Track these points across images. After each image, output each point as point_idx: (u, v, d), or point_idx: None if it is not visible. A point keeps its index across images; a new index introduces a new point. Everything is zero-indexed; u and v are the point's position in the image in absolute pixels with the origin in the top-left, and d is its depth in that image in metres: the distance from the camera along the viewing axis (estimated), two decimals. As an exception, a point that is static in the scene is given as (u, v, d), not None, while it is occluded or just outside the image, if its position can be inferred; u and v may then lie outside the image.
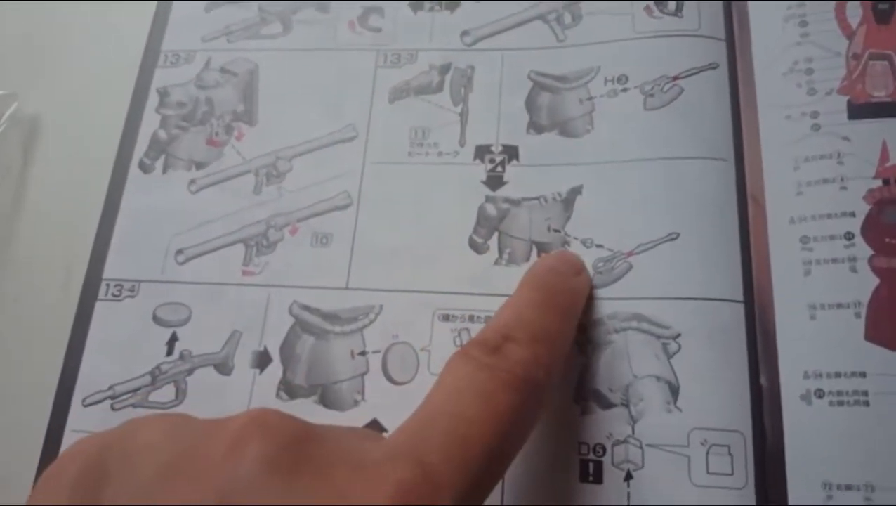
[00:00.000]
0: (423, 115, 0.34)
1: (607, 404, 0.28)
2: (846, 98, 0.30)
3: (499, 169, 0.33)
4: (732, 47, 0.33)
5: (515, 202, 0.32)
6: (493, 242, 0.31)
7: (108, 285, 0.33)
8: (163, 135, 0.36)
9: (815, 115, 0.30)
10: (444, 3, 0.36)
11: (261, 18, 0.38)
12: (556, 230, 0.31)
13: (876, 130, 0.29)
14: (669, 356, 0.28)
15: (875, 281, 0.28)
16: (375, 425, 0.30)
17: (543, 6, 0.35)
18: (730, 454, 0.27)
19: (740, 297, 0.29)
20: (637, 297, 0.29)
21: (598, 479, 0.27)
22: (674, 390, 0.28)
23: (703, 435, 0.27)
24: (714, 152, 0.31)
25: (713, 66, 0.32)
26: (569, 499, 0.27)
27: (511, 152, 0.33)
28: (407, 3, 0.37)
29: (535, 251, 0.31)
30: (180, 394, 0.31)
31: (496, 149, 0.33)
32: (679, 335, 0.28)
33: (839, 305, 0.28)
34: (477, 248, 0.31)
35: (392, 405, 0.30)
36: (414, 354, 0.30)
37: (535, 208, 0.32)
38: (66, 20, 0.40)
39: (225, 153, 0.35)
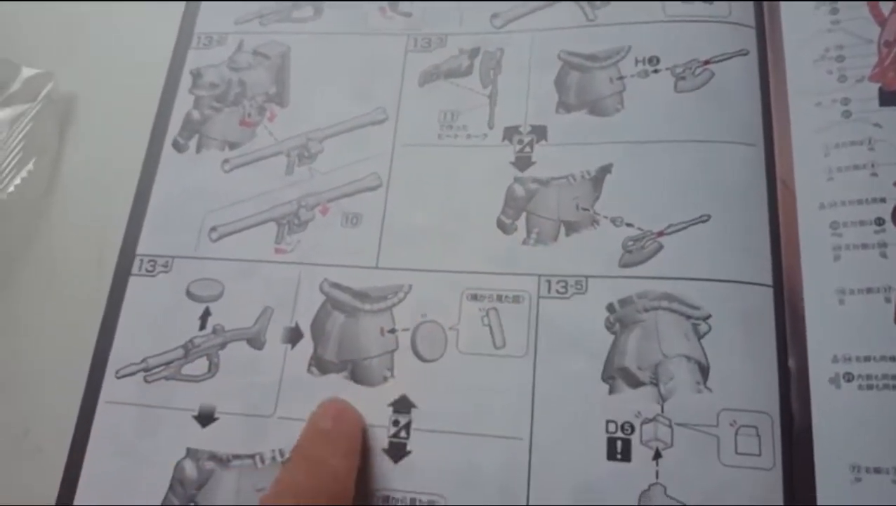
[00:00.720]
0: (453, 98, 0.35)
1: (636, 383, 0.28)
2: (878, 85, 0.30)
3: (527, 150, 0.33)
4: (763, 34, 0.33)
5: (544, 182, 0.32)
6: (521, 222, 0.32)
7: (141, 261, 0.34)
8: (196, 115, 0.36)
9: (845, 101, 0.30)
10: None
11: (293, 3, 0.38)
12: (584, 209, 0.31)
13: (907, 116, 0.29)
14: (699, 337, 0.29)
15: (905, 266, 0.28)
16: (404, 401, 0.30)
17: (572, -14, 0.36)
18: (758, 435, 0.27)
19: (770, 281, 0.29)
20: (667, 276, 0.29)
21: (627, 457, 0.28)
22: (703, 371, 0.28)
23: (733, 416, 0.27)
24: (744, 137, 0.31)
25: (743, 53, 0.33)
26: (596, 477, 0.27)
27: (540, 132, 0.33)
28: (437, -13, 0.37)
29: (563, 230, 0.31)
30: (213, 367, 0.32)
31: (525, 129, 0.33)
32: (709, 316, 0.29)
33: (868, 290, 0.28)
34: (505, 228, 0.32)
35: (421, 382, 0.30)
36: (442, 332, 0.31)
37: (564, 187, 0.32)
38: (102, 3, 0.40)
39: (257, 134, 0.35)
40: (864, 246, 0.28)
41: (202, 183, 0.35)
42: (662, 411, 0.28)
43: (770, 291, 0.29)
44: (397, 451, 0.29)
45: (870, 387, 0.27)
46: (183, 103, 0.37)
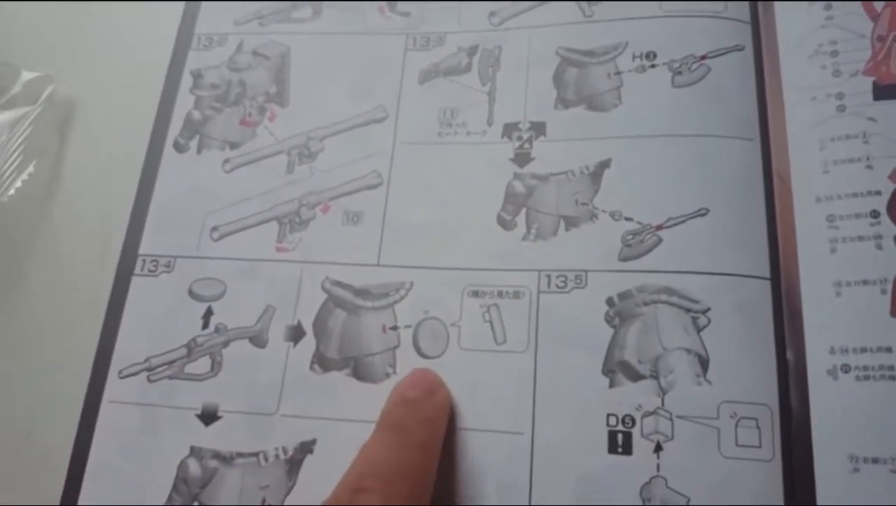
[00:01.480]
0: (452, 96, 0.35)
1: (636, 376, 0.29)
2: (871, 79, 0.30)
3: (526, 146, 0.33)
4: (757, 30, 0.33)
5: (543, 178, 0.33)
6: (521, 218, 0.32)
7: (144, 261, 0.34)
8: (197, 115, 0.36)
9: (840, 96, 0.31)
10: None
11: (292, 3, 0.38)
12: (583, 204, 0.32)
13: (902, 110, 0.30)
14: (699, 330, 0.29)
15: (901, 258, 0.28)
16: (407, 398, 0.30)
17: (569, -18, 0.36)
18: (758, 427, 0.28)
19: (767, 273, 0.30)
20: (666, 270, 0.30)
21: (628, 450, 0.28)
22: (703, 363, 0.28)
23: (733, 408, 0.28)
24: (741, 132, 0.32)
25: (739, 48, 0.33)
26: (597, 470, 0.28)
27: (538, 129, 0.33)
28: (435, -14, 0.37)
29: (562, 225, 0.32)
30: (216, 366, 0.32)
31: (524, 126, 0.34)
32: (709, 309, 0.29)
33: (865, 282, 0.28)
34: (505, 224, 0.32)
35: (423, 378, 0.30)
36: (444, 329, 0.31)
37: (563, 183, 0.32)
38: (101, 5, 0.41)
39: (258, 134, 0.36)
40: (860, 238, 0.29)
41: (203, 183, 0.35)
42: (663, 403, 0.28)
43: (768, 284, 0.29)
44: None
45: (866, 378, 0.27)
46: (183, 104, 0.37)
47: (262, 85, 0.37)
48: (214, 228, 0.34)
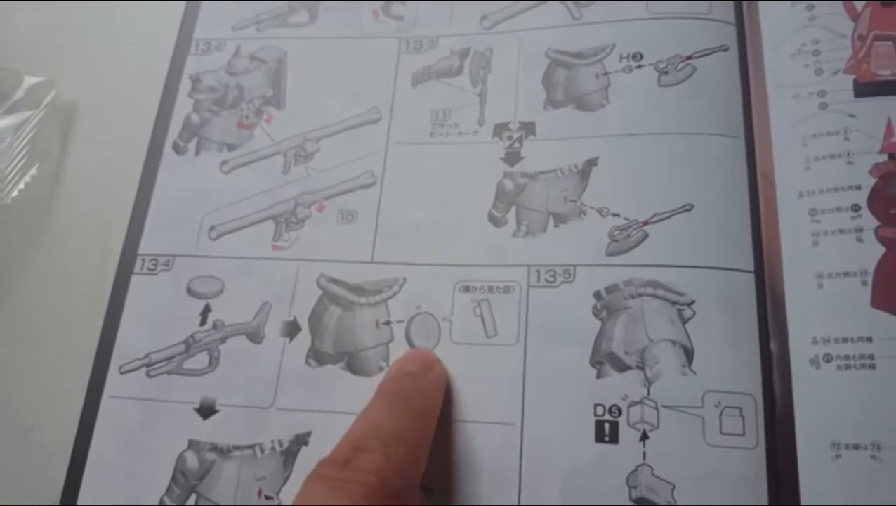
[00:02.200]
0: (444, 98, 0.36)
1: (623, 367, 0.29)
2: (852, 77, 0.31)
3: (516, 145, 0.34)
4: (742, 31, 0.34)
5: (532, 176, 0.33)
6: (511, 215, 0.33)
7: (143, 260, 0.35)
8: (195, 118, 0.37)
9: (822, 94, 0.31)
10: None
11: (289, 8, 0.39)
12: (572, 200, 0.32)
13: (881, 107, 0.30)
14: (684, 322, 0.29)
15: (881, 250, 0.29)
16: (400, 391, 0.31)
17: (559, -13, 0.37)
18: (742, 416, 0.28)
19: (751, 267, 0.30)
20: (652, 264, 0.30)
21: (614, 439, 0.28)
22: (688, 354, 0.29)
23: (717, 397, 0.28)
24: (725, 130, 0.32)
25: (724, 48, 0.34)
26: (585, 459, 0.28)
27: (528, 128, 0.34)
28: (428, -9, 0.38)
29: (551, 221, 0.32)
30: (213, 361, 0.32)
31: (514, 126, 0.34)
32: (693, 302, 0.30)
33: (846, 274, 0.29)
34: (496, 221, 0.33)
35: (415, 372, 0.31)
36: (436, 323, 0.32)
37: (552, 181, 0.33)
38: (101, 12, 0.42)
39: (255, 135, 0.37)
40: (842, 231, 0.29)
41: (202, 184, 0.36)
42: (649, 393, 0.29)
43: (752, 277, 0.30)
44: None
45: (847, 367, 0.28)
46: (182, 107, 0.38)
47: (259, 88, 0.38)
48: (212, 228, 0.35)
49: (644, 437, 0.28)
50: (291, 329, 0.33)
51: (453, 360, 0.31)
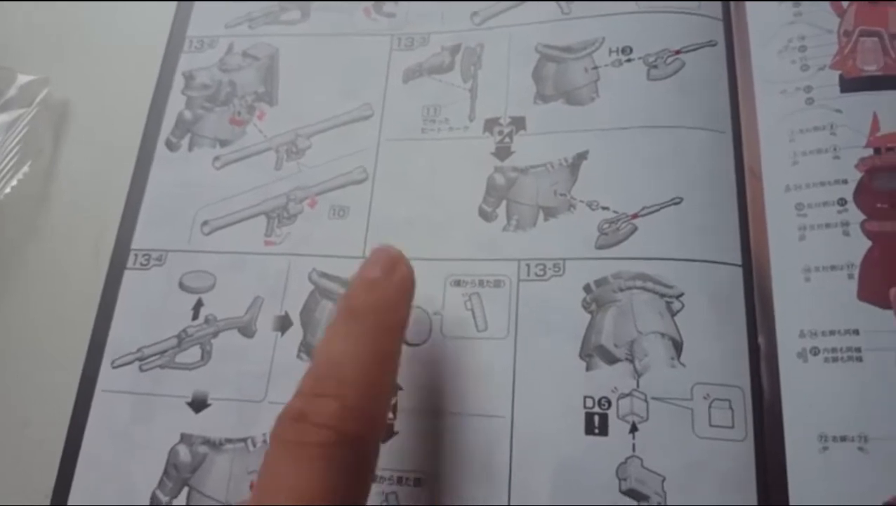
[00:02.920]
0: (435, 94, 0.36)
1: (612, 359, 0.29)
2: (838, 73, 0.31)
3: (507, 140, 0.34)
4: (729, 26, 0.34)
5: (523, 170, 0.34)
6: (502, 209, 0.33)
7: (136, 255, 0.35)
8: (188, 115, 0.37)
9: (808, 89, 0.32)
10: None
11: (280, 7, 0.39)
12: (562, 194, 0.33)
13: (867, 102, 0.31)
14: (673, 314, 0.30)
15: (867, 244, 0.29)
16: (391, 384, 0.31)
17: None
18: (730, 408, 0.28)
19: (739, 260, 0.30)
20: (641, 257, 0.31)
21: (604, 431, 0.29)
22: (677, 347, 0.29)
23: (706, 389, 0.29)
24: (713, 124, 0.33)
25: (712, 44, 0.34)
26: (575, 451, 0.28)
27: (518, 123, 0.34)
28: (419, -12, 0.38)
29: (541, 215, 0.32)
30: (205, 355, 0.33)
31: (504, 121, 0.35)
32: (682, 295, 0.30)
33: (833, 267, 0.29)
34: (486, 216, 0.33)
35: (406, 365, 0.31)
36: (427, 317, 0.32)
37: (542, 175, 0.33)
38: (95, 10, 0.42)
39: (247, 132, 0.37)
40: (828, 225, 0.30)
41: (194, 179, 0.36)
42: (638, 386, 0.29)
43: (739, 271, 0.30)
44: (385, 432, 0.30)
45: (835, 360, 0.28)
46: (175, 104, 0.38)
47: (252, 85, 0.38)
48: (205, 223, 0.35)
49: (633, 429, 0.28)
50: (283, 323, 0.33)
51: (444, 353, 0.31)
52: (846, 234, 0.29)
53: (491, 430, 0.29)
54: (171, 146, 0.37)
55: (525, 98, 0.35)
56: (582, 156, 0.33)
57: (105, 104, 0.39)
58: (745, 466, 0.28)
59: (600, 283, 0.31)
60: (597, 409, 0.29)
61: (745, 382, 0.29)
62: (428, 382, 0.31)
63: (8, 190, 0.37)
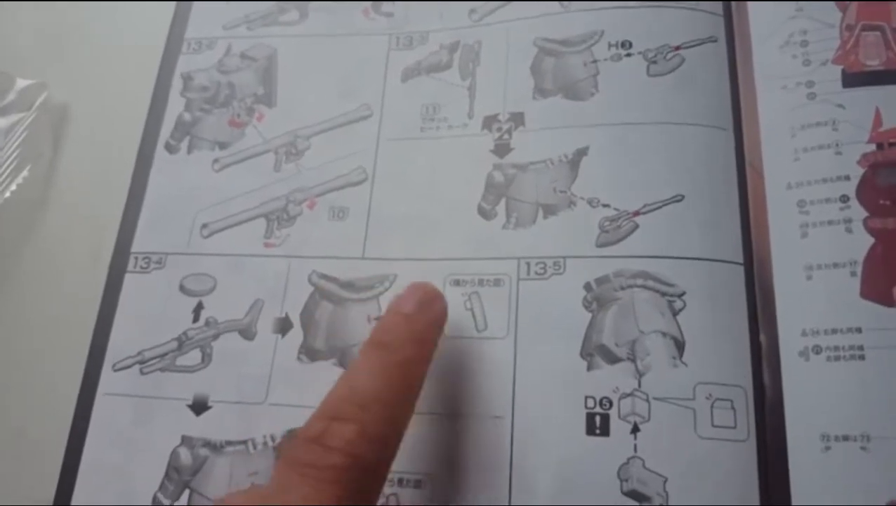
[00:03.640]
0: (434, 92, 0.36)
1: (613, 359, 0.29)
2: (840, 68, 0.31)
3: (506, 137, 0.34)
4: (730, 22, 0.34)
5: (522, 167, 0.33)
6: (501, 207, 0.33)
7: (136, 259, 0.35)
8: (187, 117, 0.37)
9: (810, 84, 0.31)
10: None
11: (279, 7, 0.39)
12: (562, 191, 0.32)
13: (869, 97, 0.30)
14: (675, 313, 0.29)
15: (870, 241, 0.29)
16: (392, 386, 0.31)
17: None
18: (733, 408, 0.28)
19: (741, 258, 0.30)
20: (643, 255, 0.30)
21: (605, 431, 0.28)
22: (679, 346, 0.29)
23: (708, 389, 0.28)
24: (714, 121, 0.32)
25: (712, 40, 0.34)
26: (576, 451, 0.28)
27: (517, 119, 0.34)
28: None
29: (541, 213, 0.32)
30: (206, 358, 0.33)
31: (503, 117, 0.34)
32: (684, 293, 0.30)
33: (835, 265, 0.29)
34: (485, 214, 0.33)
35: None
36: (427, 318, 0.32)
37: (542, 171, 0.33)
38: (93, 12, 0.42)
39: (246, 134, 0.37)
40: (830, 223, 0.29)
41: (193, 182, 0.36)
42: (640, 385, 0.29)
43: (741, 269, 0.30)
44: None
45: (837, 358, 0.28)
46: (174, 106, 0.38)
47: (250, 86, 0.38)
48: (204, 226, 0.35)
49: (635, 429, 0.28)
50: (283, 325, 0.33)
51: (444, 354, 0.31)
52: (849, 231, 0.29)
53: (491, 430, 0.29)
54: (170, 149, 0.37)
55: (524, 93, 0.35)
56: (582, 152, 0.33)
57: (104, 107, 0.39)
58: (748, 466, 0.27)
59: (601, 281, 0.30)
60: (598, 409, 0.29)
61: (748, 381, 0.29)
62: (428, 383, 0.30)
63: (8, 194, 0.37)
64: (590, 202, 0.32)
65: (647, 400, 0.28)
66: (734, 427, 0.28)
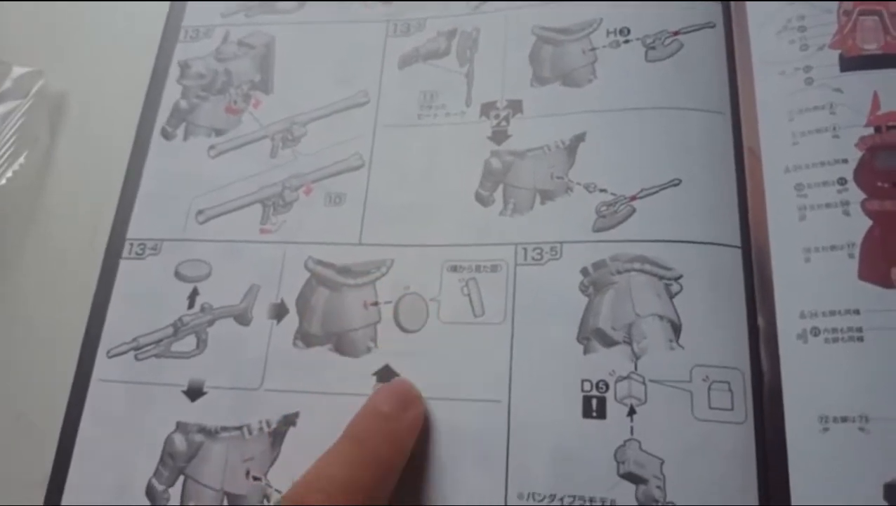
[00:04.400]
0: (431, 79, 0.36)
1: (610, 343, 0.29)
2: (838, 52, 0.31)
3: (503, 124, 0.34)
4: (728, 8, 0.34)
5: (520, 154, 0.33)
6: (499, 194, 0.33)
7: (131, 245, 0.35)
8: (184, 104, 0.37)
9: (807, 69, 0.31)
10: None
11: (276, -7, 0.39)
12: (559, 177, 0.32)
13: (867, 80, 0.30)
14: (671, 296, 0.29)
15: (868, 223, 0.29)
16: (387, 371, 0.31)
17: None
18: (730, 390, 0.28)
19: (738, 242, 0.30)
20: (640, 239, 0.30)
21: (602, 414, 0.28)
22: (676, 329, 0.29)
23: (705, 372, 0.28)
24: (711, 105, 0.32)
25: (710, 25, 0.34)
26: (573, 434, 0.28)
27: (515, 106, 0.34)
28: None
29: (538, 199, 0.32)
30: (201, 344, 0.32)
31: (501, 104, 0.34)
32: (681, 277, 0.30)
33: (833, 247, 0.29)
34: (483, 200, 0.33)
35: (403, 352, 0.31)
36: (424, 303, 0.32)
37: (539, 158, 0.33)
38: (90, 1, 0.42)
39: (243, 120, 0.37)
40: (828, 205, 0.29)
41: (189, 168, 0.36)
42: (636, 368, 0.29)
43: (738, 252, 0.30)
44: None
45: (835, 340, 0.27)
46: (171, 93, 0.38)
47: (247, 73, 0.38)
48: (200, 212, 0.35)
49: (632, 412, 0.28)
50: (279, 311, 0.33)
51: (441, 339, 0.31)
52: (846, 213, 0.29)
53: (488, 415, 0.29)
54: (166, 135, 0.37)
55: (522, 81, 0.34)
56: (579, 138, 0.33)
57: (101, 94, 0.39)
58: (745, 448, 0.27)
59: (598, 266, 0.30)
60: (594, 392, 0.29)
61: (745, 364, 0.28)
62: (424, 368, 0.30)
63: (3, 181, 0.37)
64: (587, 187, 0.32)
65: (644, 383, 0.28)
66: (731, 409, 0.28)
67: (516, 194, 0.32)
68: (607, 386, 0.29)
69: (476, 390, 0.30)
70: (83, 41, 0.41)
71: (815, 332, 0.28)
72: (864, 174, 0.29)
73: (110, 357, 0.33)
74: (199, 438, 0.31)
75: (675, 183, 0.31)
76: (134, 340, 0.33)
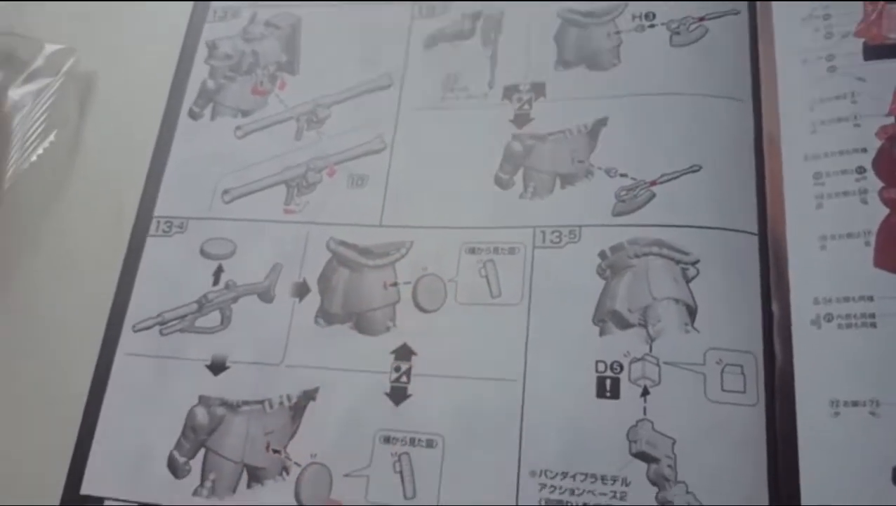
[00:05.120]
0: (455, 61, 0.36)
1: (625, 325, 0.30)
2: (862, 41, 0.31)
3: (526, 107, 0.34)
4: (753, -5, 0.34)
5: (541, 138, 0.34)
6: (519, 177, 0.33)
7: (158, 222, 0.35)
8: (211, 84, 0.38)
9: (830, 57, 0.31)
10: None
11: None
12: (580, 161, 0.33)
13: (890, 69, 0.30)
14: (688, 281, 0.30)
15: (885, 211, 0.29)
16: (405, 349, 0.31)
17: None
18: (743, 374, 0.28)
19: (755, 228, 0.30)
20: (658, 224, 0.31)
21: (616, 394, 0.29)
22: (691, 312, 0.29)
23: (718, 355, 0.29)
24: (733, 92, 0.32)
25: (735, 12, 0.34)
26: (586, 414, 0.29)
27: (538, 89, 0.34)
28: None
29: (558, 183, 0.33)
30: (225, 320, 0.33)
31: (524, 87, 0.35)
32: (698, 261, 0.30)
33: (849, 235, 0.29)
34: (502, 184, 0.33)
35: (421, 331, 0.31)
36: (442, 284, 0.32)
37: (561, 141, 0.33)
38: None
39: (269, 102, 0.37)
40: (846, 194, 0.29)
41: (216, 148, 0.37)
42: (651, 350, 0.29)
43: (755, 239, 0.30)
44: (398, 394, 0.31)
45: (849, 326, 0.28)
46: (199, 74, 0.38)
47: (274, 54, 0.38)
48: (226, 191, 0.36)
49: (645, 393, 0.28)
50: (301, 290, 0.33)
51: (458, 319, 0.31)
52: (864, 202, 0.29)
53: (503, 393, 0.30)
54: (193, 115, 0.37)
55: (546, 64, 0.35)
56: (601, 122, 0.33)
57: (130, 74, 0.40)
58: (757, 430, 0.28)
59: (616, 249, 0.31)
60: (609, 373, 0.29)
61: (758, 348, 0.29)
62: (441, 347, 0.31)
63: (34, 158, 0.38)
64: (608, 172, 0.32)
65: (658, 364, 0.29)
66: (744, 392, 0.28)
67: (536, 178, 0.33)
68: (622, 367, 0.29)
69: (492, 369, 0.30)
70: (113, 20, 0.42)
71: (829, 317, 0.28)
72: (883, 163, 0.29)
73: (136, 331, 0.34)
74: (220, 411, 0.32)
75: (695, 169, 0.31)
76: (159, 315, 0.34)
